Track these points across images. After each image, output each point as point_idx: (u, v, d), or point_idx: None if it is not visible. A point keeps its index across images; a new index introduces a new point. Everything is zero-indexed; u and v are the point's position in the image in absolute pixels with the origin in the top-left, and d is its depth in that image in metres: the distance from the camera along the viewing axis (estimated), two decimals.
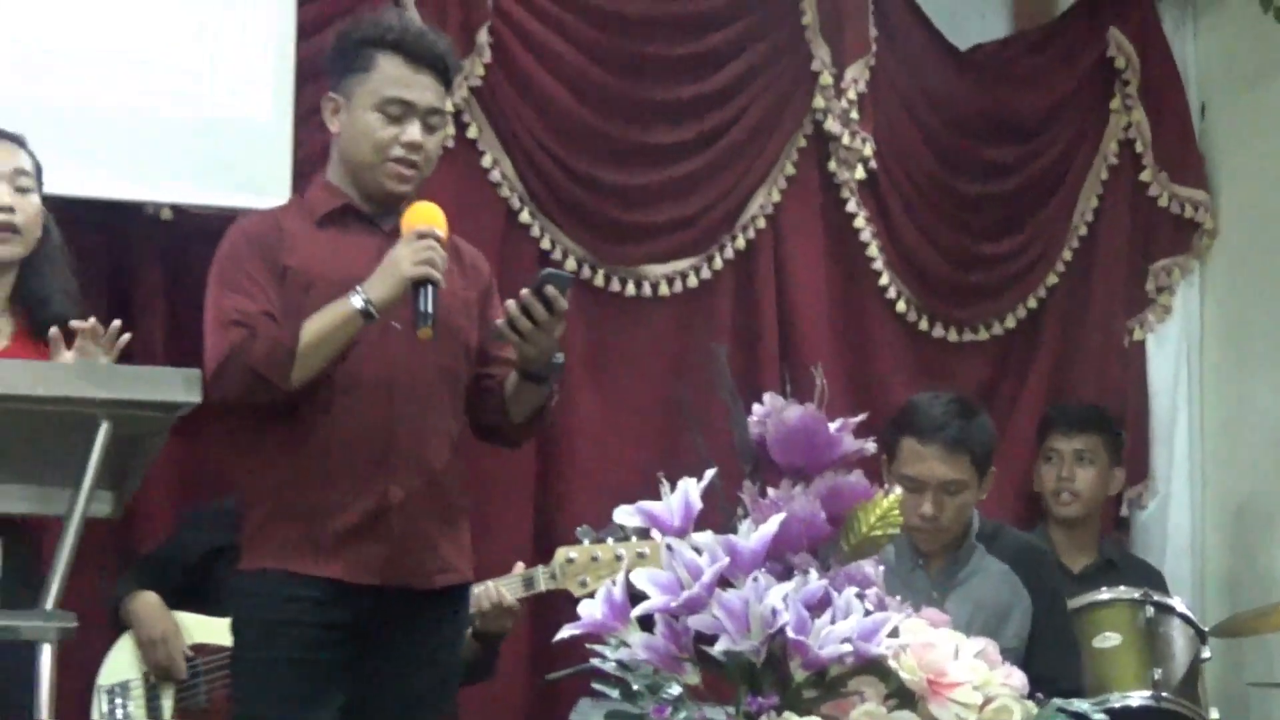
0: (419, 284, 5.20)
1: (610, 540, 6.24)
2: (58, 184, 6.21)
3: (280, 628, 5.52)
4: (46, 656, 4.48)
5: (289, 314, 5.33)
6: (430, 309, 5.22)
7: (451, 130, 7.65)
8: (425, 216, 5.36)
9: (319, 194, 5.66)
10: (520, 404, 5.57)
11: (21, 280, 5.81)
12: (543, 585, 6.44)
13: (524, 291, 5.26)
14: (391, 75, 5.52)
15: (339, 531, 5.43)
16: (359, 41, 5.58)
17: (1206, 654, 7.05)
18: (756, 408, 4.36)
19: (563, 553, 6.34)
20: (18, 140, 5.88)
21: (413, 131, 5.50)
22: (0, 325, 5.80)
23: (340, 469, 5.41)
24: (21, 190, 5.75)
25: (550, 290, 5.25)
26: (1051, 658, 6.17)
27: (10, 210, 5.68)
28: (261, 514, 5.49)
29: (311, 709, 5.43)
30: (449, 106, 5.67)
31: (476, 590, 6.55)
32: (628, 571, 4.10)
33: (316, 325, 5.30)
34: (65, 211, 6.08)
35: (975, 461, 6.48)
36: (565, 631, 4.30)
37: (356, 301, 5.24)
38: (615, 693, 4.27)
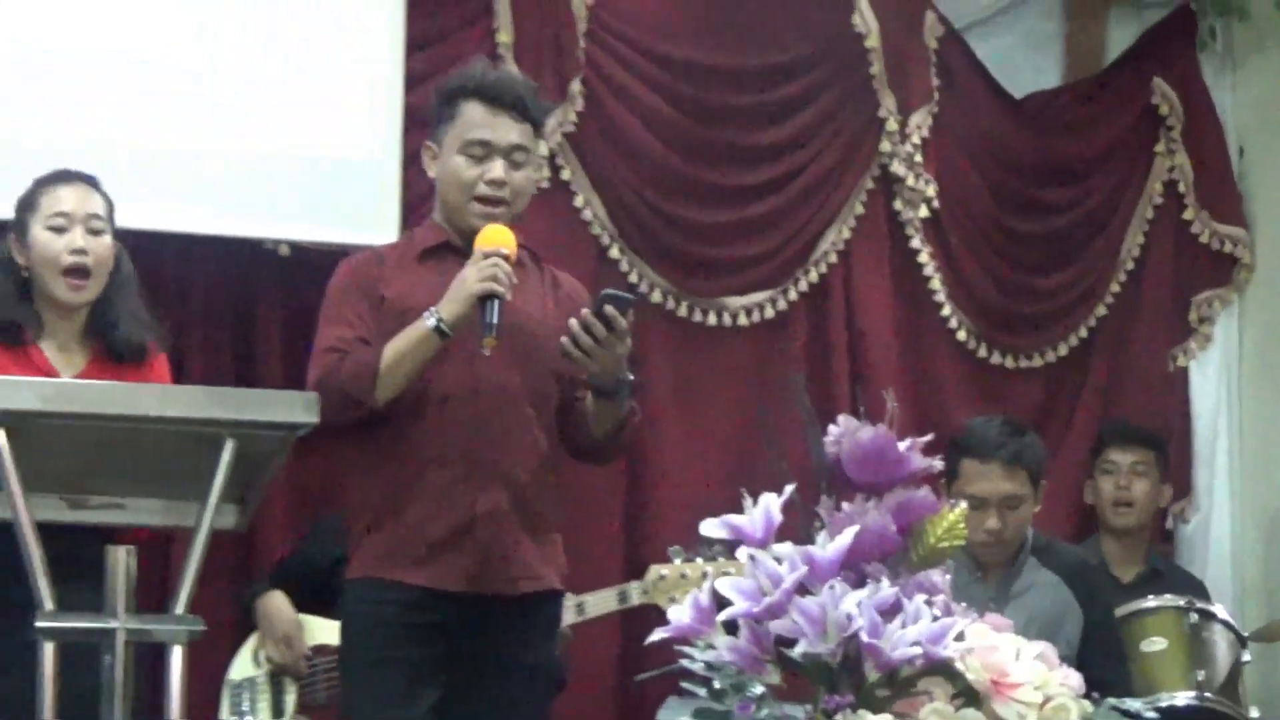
0: (484, 299, 5.19)
1: (699, 559, 6.23)
2: (186, 223, 6.25)
3: (376, 630, 5.53)
4: (177, 658, 4.49)
5: (384, 340, 5.34)
6: (494, 320, 5.19)
7: (546, 173, 7.71)
8: (492, 238, 5.33)
9: (424, 232, 5.67)
10: (599, 421, 5.54)
11: (93, 311, 5.82)
12: (635, 600, 6.44)
13: (584, 310, 5.25)
14: (473, 119, 5.51)
15: (429, 542, 5.42)
16: (447, 93, 5.58)
17: (1246, 657, 7.03)
18: (832, 429, 4.36)
19: (655, 570, 6.34)
20: (91, 182, 5.87)
21: (495, 169, 5.47)
22: (75, 353, 5.80)
23: (430, 484, 5.39)
24: (94, 232, 5.75)
25: (610, 310, 5.23)
26: (1101, 663, 6.14)
27: (84, 253, 5.68)
28: (362, 526, 5.50)
29: (406, 705, 5.44)
30: (535, 143, 5.61)
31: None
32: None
33: (396, 345, 5.31)
34: (194, 249, 6.08)
35: (1031, 476, 6.47)
36: (656, 635, 4.30)
37: (430, 320, 5.24)
38: (702, 691, 4.29)
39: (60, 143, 6.72)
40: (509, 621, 5.50)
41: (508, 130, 5.51)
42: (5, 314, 5.73)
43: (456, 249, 5.41)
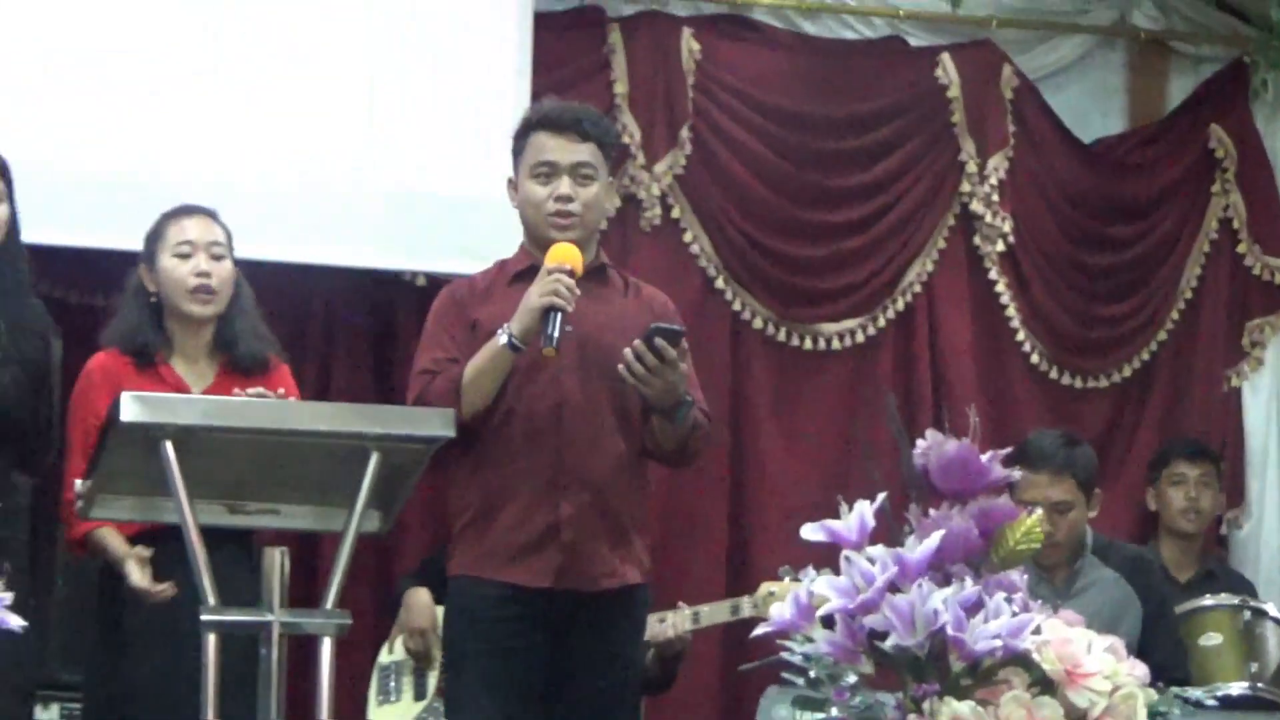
0: (546, 311, 5.16)
1: (804, 579, 6.26)
2: (338, 257, 6.26)
3: (474, 625, 5.53)
4: (327, 648, 4.51)
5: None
6: (554, 332, 5.15)
7: (658, 211, 7.78)
8: (558, 255, 5.30)
9: (514, 258, 5.64)
10: (664, 435, 5.48)
11: (218, 331, 5.84)
12: (746, 613, 6.42)
13: (636, 341, 5.20)
14: (540, 146, 5.49)
15: (519, 544, 5.40)
16: (518, 132, 5.58)
17: None
18: (919, 442, 4.36)
19: (766, 586, 6.32)
20: (212, 214, 5.92)
21: (562, 186, 5.44)
22: (203, 368, 5.83)
23: (518, 490, 5.37)
24: (216, 258, 5.79)
25: (659, 342, 5.19)
26: (1160, 654, 6.11)
27: (207, 275, 5.72)
28: (459, 528, 5.49)
29: (503, 695, 5.43)
30: (602, 160, 5.57)
31: (656, 625, 6.59)
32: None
33: (474, 362, 5.31)
34: (341, 280, 6.09)
35: (1080, 484, 6.49)
36: (760, 630, 4.31)
37: (502, 337, 5.22)
38: (801, 681, 4.29)
39: (232, 185, 6.75)
40: (592, 616, 5.46)
41: (570, 150, 5.48)
42: (139, 339, 5.76)
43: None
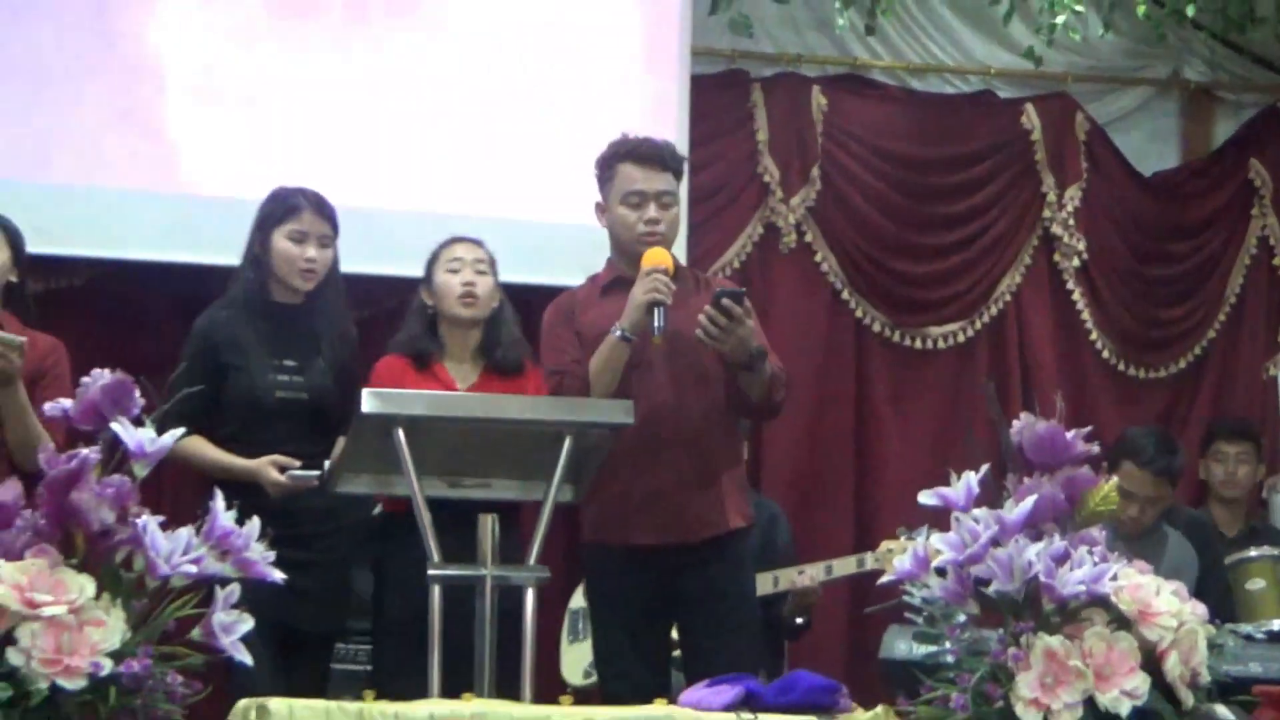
0: (651, 306, 5.11)
1: (919, 537, 6.22)
2: (534, 276, 6.24)
3: (603, 581, 5.53)
4: (530, 597, 4.52)
5: (586, 359, 5.27)
6: (660, 323, 5.09)
7: (794, 236, 7.79)
8: (653, 258, 5.24)
9: (605, 271, 5.56)
10: (750, 388, 5.36)
11: (482, 338, 5.82)
12: (870, 565, 6.36)
13: (707, 307, 5.12)
14: (629, 176, 5.40)
15: (628, 509, 5.35)
16: (605, 161, 5.48)
17: None
18: (1014, 423, 4.35)
19: (885, 544, 6.25)
20: (478, 242, 5.91)
21: (650, 212, 5.37)
22: (469, 369, 5.80)
23: (625, 463, 5.27)
24: (480, 273, 5.77)
25: (725, 302, 5.11)
26: (1213, 598, 6.01)
27: (473, 284, 5.71)
28: (588, 501, 5.37)
29: (631, 646, 5.38)
30: (677, 186, 5.52)
31: (795, 576, 6.59)
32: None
33: (596, 359, 5.23)
34: (534, 296, 6.06)
35: (1171, 482, 6.47)
36: (885, 579, 4.30)
37: (616, 332, 5.15)
38: (919, 620, 4.27)
39: (446, 220, 6.70)
40: (700, 563, 5.39)
41: (655, 180, 5.40)
42: (418, 345, 5.77)
43: (629, 280, 5.28)
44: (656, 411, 5.28)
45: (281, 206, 5.62)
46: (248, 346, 5.54)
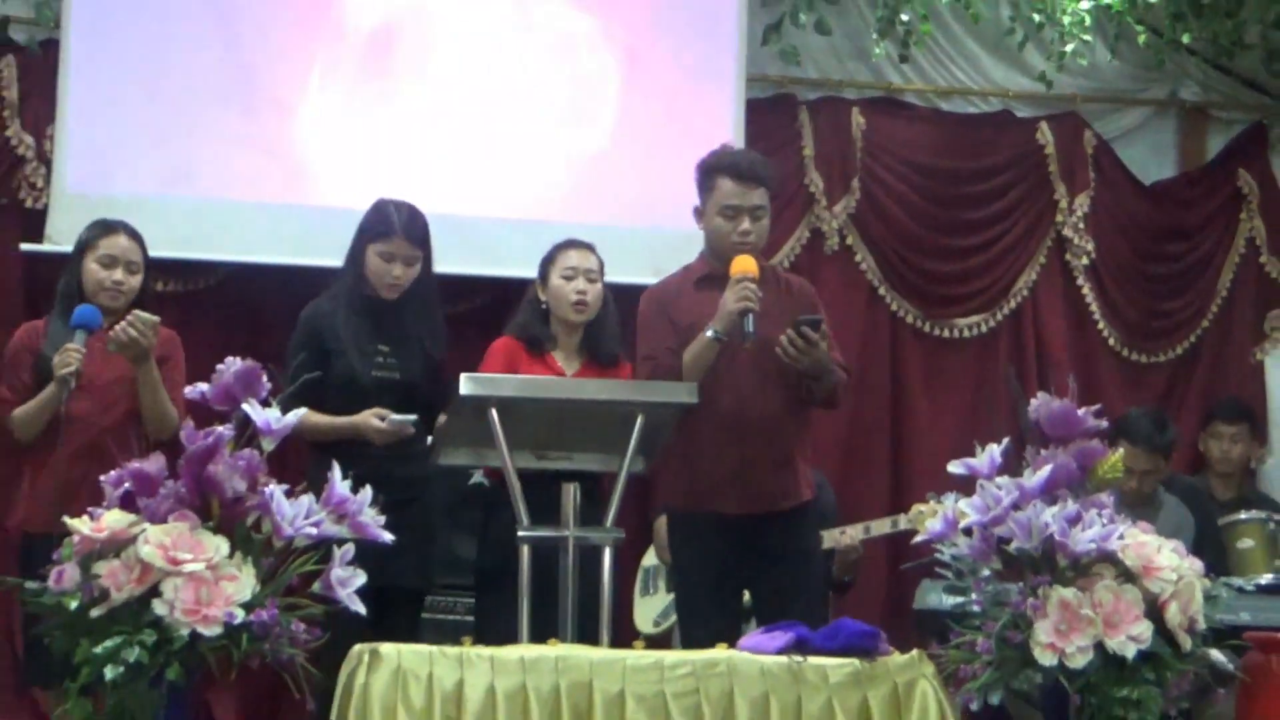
0: (742, 314, 5.08)
1: (948, 502, 6.22)
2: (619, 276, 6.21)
3: (690, 543, 5.49)
4: (607, 556, 4.53)
5: (681, 348, 5.24)
6: (750, 328, 5.06)
7: (837, 239, 7.82)
8: (741, 266, 5.16)
9: (698, 265, 5.50)
10: (816, 390, 5.37)
11: (586, 333, 5.83)
12: (904, 526, 6.35)
13: (788, 330, 5.11)
14: (726, 190, 5.34)
15: (713, 483, 5.33)
16: (706, 170, 5.41)
17: None
18: (1033, 401, 4.35)
19: (917, 507, 6.20)
20: (590, 247, 5.89)
21: (744, 224, 5.32)
22: (575, 359, 5.79)
23: (712, 441, 5.27)
24: (591, 281, 5.77)
25: (804, 329, 5.10)
26: (1208, 556, 5.96)
27: (584, 294, 5.71)
28: (667, 473, 5.43)
29: (713, 599, 5.36)
30: (768, 200, 5.41)
31: (837, 536, 6.57)
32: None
33: (689, 353, 5.20)
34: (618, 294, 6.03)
35: (1164, 456, 6.46)
36: (919, 538, 4.30)
37: (709, 333, 5.13)
38: (949, 574, 4.27)
39: (526, 224, 6.71)
40: (778, 529, 5.37)
41: (749, 195, 5.33)
42: (532, 332, 5.78)
43: (720, 277, 5.22)
44: (742, 399, 5.27)
45: (377, 226, 5.63)
46: (346, 334, 5.57)
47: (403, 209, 5.65)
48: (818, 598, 5.65)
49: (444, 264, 5.96)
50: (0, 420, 5.41)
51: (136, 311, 5.24)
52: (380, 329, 5.62)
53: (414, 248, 5.60)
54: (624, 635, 4.75)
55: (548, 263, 5.86)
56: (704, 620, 5.27)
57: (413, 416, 5.40)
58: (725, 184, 5.37)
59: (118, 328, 5.20)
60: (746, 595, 5.56)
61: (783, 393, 5.36)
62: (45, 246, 7.06)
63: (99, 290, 5.42)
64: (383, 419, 5.38)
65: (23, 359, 5.45)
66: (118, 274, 5.45)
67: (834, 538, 6.51)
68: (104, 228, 5.55)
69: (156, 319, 5.24)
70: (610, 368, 5.82)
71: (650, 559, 7.06)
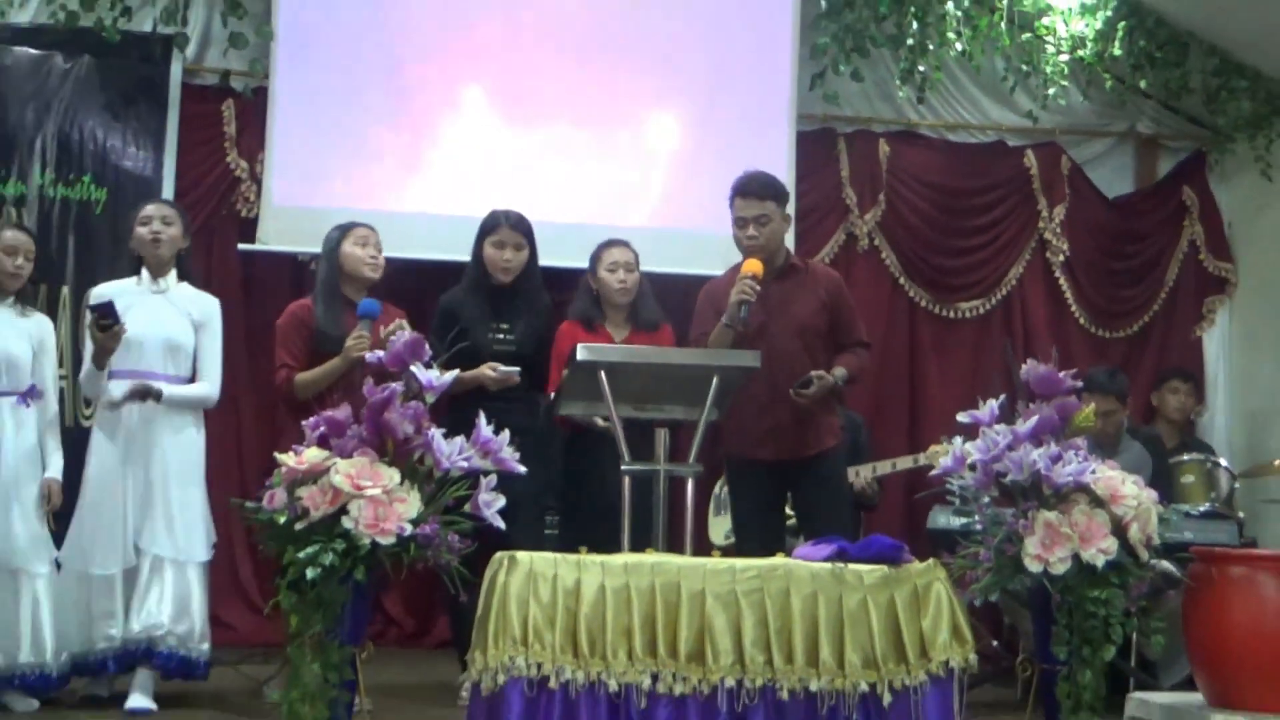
0: (739, 304, 5.10)
1: (956, 444, 6.19)
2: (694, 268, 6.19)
3: (740, 480, 5.53)
4: (690, 485, 4.51)
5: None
6: (743, 314, 5.08)
7: (867, 241, 7.75)
8: (746, 268, 5.21)
9: (735, 269, 5.49)
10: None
11: (631, 308, 5.86)
12: (922, 462, 6.32)
13: (790, 390, 5.24)
14: (736, 206, 5.36)
15: (757, 435, 5.35)
16: (729, 196, 5.41)
17: (1237, 485, 6.83)
18: (1023, 367, 4.32)
19: (932, 448, 6.20)
20: (626, 242, 5.92)
21: (750, 231, 5.32)
22: (622, 328, 5.83)
23: (755, 403, 5.27)
24: (629, 271, 5.82)
25: (797, 390, 5.23)
26: (1161, 488, 5.91)
27: (625, 282, 5.79)
28: (728, 425, 5.36)
29: (758, 518, 5.39)
30: (777, 208, 5.38)
31: (864, 469, 6.56)
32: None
33: (711, 335, 5.26)
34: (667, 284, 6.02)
35: (1119, 398, 6.36)
36: (936, 472, 4.27)
37: (723, 320, 5.17)
38: (956, 501, 4.25)
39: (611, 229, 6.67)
40: (809, 469, 5.40)
41: (751, 207, 5.32)
42: (587, 313, 5.82)
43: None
44: (776, 370, 5.27)
45: (489, 223, 5.72)
46: (473, 313, 5.63)
47: (509, 211, 5.74)
48: (844, 518, 5.62)
49: (549, 259, 6.01)
50: (283, 380, 5.43)
51: (399, 322, 5.30)
52: (500, 308, 5.68)
53: (519, 235, 5.65)
54: (701, 547, 4.74)
55: (596, 259, 5.92)
56: (752, 537, 5.29)
57: (517, 369, 5.48)
58: (736, 201, 5.38)
59: (387, 330, 5.20)
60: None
61: (810, 367, 5.35)
62: (256, 246, 7.16)
63: (360, 265, 5.54)
64: (494, 369, 5.45)
65: (301, 333, 5.48)
66: (369, 252, 5.57)
67: (851, 475, 6.47)
68: (346, 225, 5.65)
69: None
70: (654, 331, 5.85)
71: (720, 488, 7.07)
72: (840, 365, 5.40)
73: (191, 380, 5.40)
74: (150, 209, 5.48)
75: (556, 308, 5.97)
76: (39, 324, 5.43)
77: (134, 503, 5.19)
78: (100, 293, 5.32)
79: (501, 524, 3.98)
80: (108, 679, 5.27)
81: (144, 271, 5.41)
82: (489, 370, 5.45)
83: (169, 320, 5.34)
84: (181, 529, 5.21)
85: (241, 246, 7.17)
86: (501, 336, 5.63)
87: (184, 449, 5.30)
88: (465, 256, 5.88)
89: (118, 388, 5.23)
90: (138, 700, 5.13)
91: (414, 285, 6.62)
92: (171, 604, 5.15)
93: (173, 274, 5.42)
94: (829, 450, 5.47)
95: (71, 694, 5.28)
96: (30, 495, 5.21)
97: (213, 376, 5.40)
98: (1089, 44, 7.85)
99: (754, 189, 5.39)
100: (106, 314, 5.05)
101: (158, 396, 5.21)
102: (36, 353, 5.35)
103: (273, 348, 5.55)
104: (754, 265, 5.21)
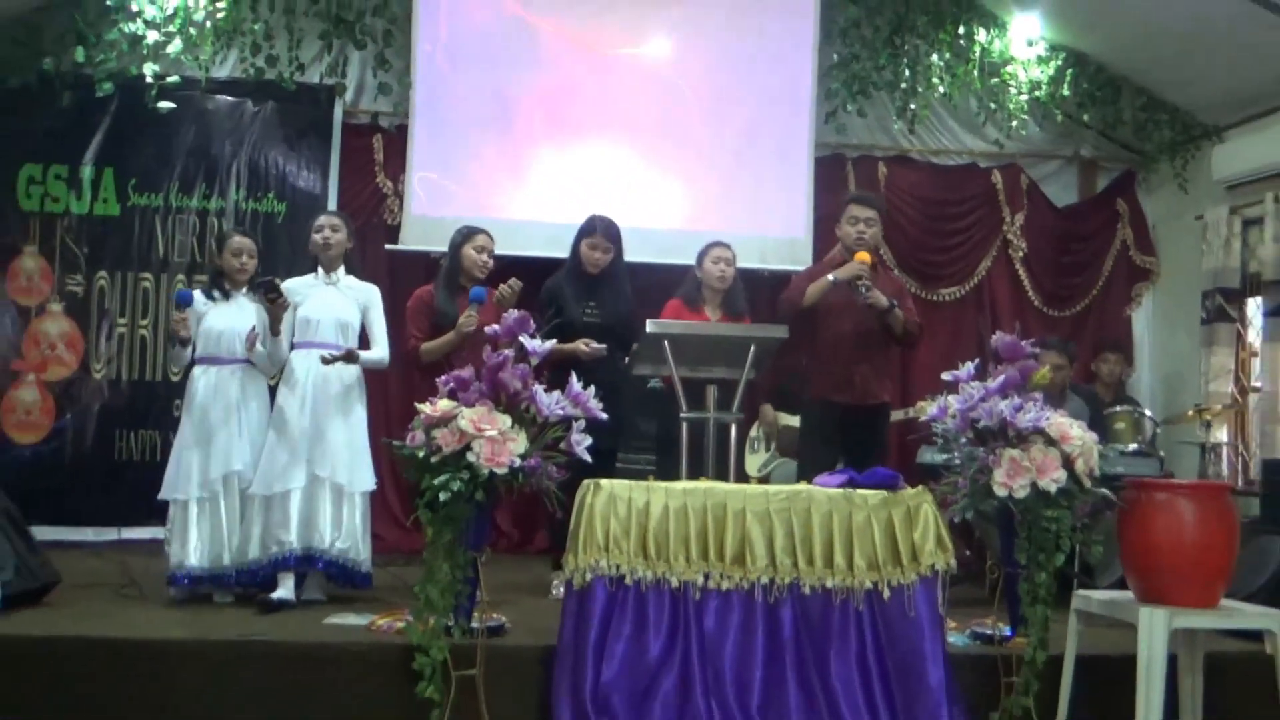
0: (853, 281, 5.23)
1: (940, 399, 6.11)
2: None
3: (813, 420, 5.50)
4: (733, 429, 4.51)
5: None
6: (864, 292, 5.24)
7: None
8: (860, 255, 5.30)
9: (833, 256, 5.59)
10: (892, 325, 5.41)
11: (723, 297, 5.74)
12: (912, 414, 6.25)
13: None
14: (851, 210, 5.46)
15: (835, 384, 5.33)
16: (844, 201, 5.50)
17: (1159, 431, 6.69)
18: (993, 338, 4.26)
19: (920, 403, 6.16)
20: (728, 244, 5.78)
21: (861, 228, 5.40)
22: (717, 311, 5.68)
23: (833, 358, 5.30)
24: (728, 265, 5.72)
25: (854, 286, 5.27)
26: (1098, 432, 5.81)
27: (725, 273, 5.65)
28: (807, 372, 5.40)
29: (825, 449, 5.35)
30: (877, 215, 5.47)
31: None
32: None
33: (814, 286, 5.37)
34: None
35: (1069, 359, 6.30)
36: (924, 417, 4.22)
37: (830, 278, 5.32)
38: (939, 441, 4.21)
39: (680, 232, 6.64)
40: (868, 415, 5.42)
41: (865, 212, 5.40)
42: (691, 297, 5.72)
43: (843, 261, 5.36)
44: (847, 336, 5.29)
45: (587, 228, 5.66)
46: (569, 295, 5.59)
47: (603, 218, 5.67)
48: (885, 455, 5.62)
49: (633, 256, 5.94)
50: (412, 349, 5.43)
51: (511, 281, 5.28)
52: (591, 291, 5.62)
53: (609, 242, 5.61)
54: (741, 477, 4.75)
55: (703, 254, 5.82)
56: (817, 460, 5.28)
57: (604, 346, 5.40)
58: (852, 207, 5.47)
59: (502, 288, 5.22)
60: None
61: (875, 333, 5.38)
62: (399, 247, 7.19)
63: (474, 266, 5.48)
64: (587, 344, 5.40)
65: (424, 313, 5.46)
66: (484, 257, 5.51)
67: None
68: (470, 230, 5.57)
69: (519, 284, 5.29)
70: (738, 318, 5.75)
71: (755, 431, 7.05)
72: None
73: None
74: (323, 219, 5.49)
75: (634, 292, 5.93)
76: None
77: (310, 440, 5.20)
78: (285, 286, 5.32)
79: (588, 458, 3.99)
80: (287, 580, 5.27)
81: (319, 268, 5.43)
82: (583, 346, 5.43)
83: (339, 305, 5.36)
84: (350, 462, 5.22)
85: (388, 247, 7.21)
86: (590, 312, 5.61)
87: (350, 400, 5.32)
88: (559, 254, 5.88)
89: (306, 356, 5.23)
90: (312, 593, 5.17)
91: (522, 276, 6.62)
92: (338, 522, 5.16)
93: (341, 269, 5.43)
94: (884, 404, 5.54)
95: (258, 592, 5.30)
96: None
97: (383, 344, 5.40)
98: (1044, 86, 7.74)
99: (867, 199, 5.52)
100: (270, 289, 5.07)
101: (354, 359, 5.22)
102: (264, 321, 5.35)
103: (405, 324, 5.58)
104: (866, 256, 5.28)
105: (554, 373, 5.01)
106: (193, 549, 5.06)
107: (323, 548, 5.08)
